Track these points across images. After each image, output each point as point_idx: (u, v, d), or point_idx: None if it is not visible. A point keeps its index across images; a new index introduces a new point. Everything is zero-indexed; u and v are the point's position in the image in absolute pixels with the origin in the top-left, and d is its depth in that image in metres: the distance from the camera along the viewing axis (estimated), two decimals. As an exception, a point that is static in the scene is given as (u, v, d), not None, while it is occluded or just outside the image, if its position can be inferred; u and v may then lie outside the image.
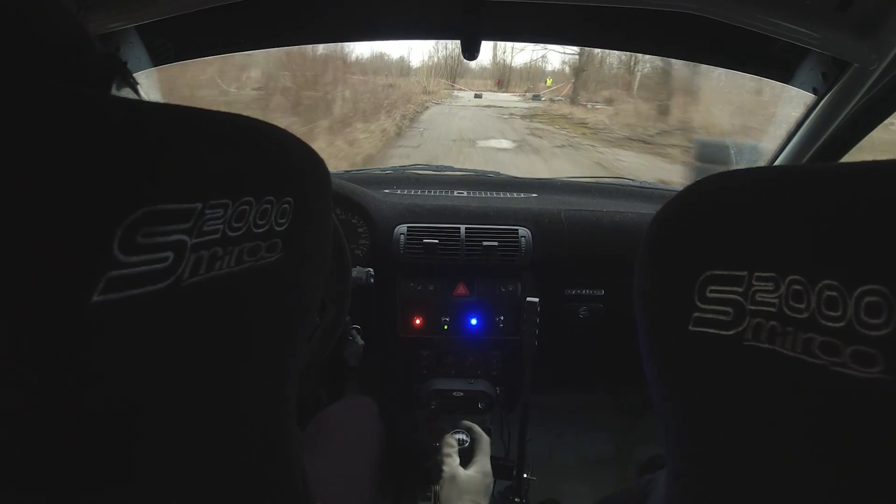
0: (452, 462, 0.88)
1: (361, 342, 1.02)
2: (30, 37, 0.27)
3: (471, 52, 0.93)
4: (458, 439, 0.94)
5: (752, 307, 0.30)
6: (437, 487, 0.85)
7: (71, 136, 0.20)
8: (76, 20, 0.31)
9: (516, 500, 1.09)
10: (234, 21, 0.95)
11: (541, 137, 11.90)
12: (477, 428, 0.97)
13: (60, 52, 0.30)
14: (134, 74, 0.92)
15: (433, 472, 0.95)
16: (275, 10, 0.96)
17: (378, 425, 1.02)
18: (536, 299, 1.01)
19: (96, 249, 0.21)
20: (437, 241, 1.20)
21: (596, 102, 19.55)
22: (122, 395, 0.23)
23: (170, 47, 0.96)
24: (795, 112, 1.01)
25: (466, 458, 0.91)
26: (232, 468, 0.31)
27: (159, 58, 0.96)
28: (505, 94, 30.03)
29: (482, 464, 0.88)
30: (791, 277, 0.28)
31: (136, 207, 0.22)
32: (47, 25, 0.29)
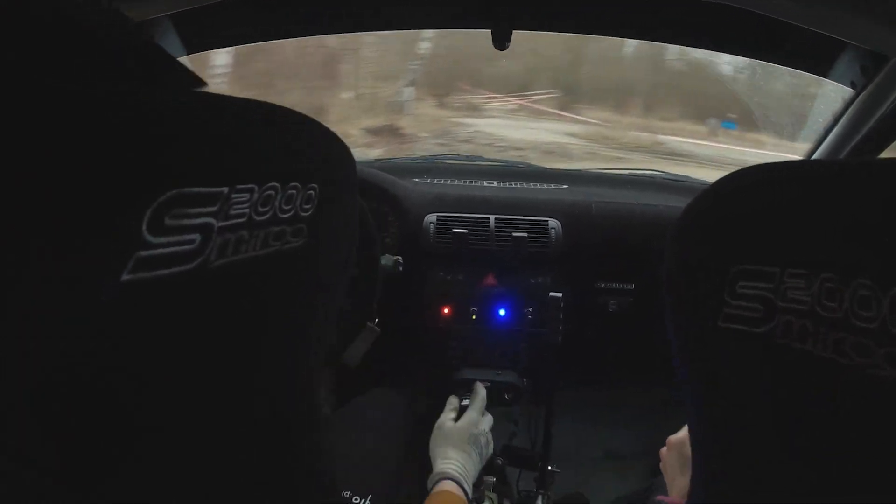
0: (445, 416, 0.94)
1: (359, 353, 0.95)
2: (76, 31, 0.26)
3: (501, 41, 0.91)
4: (461, 398, 1.00)
5: (783, 304, 0.29)
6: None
7: (103, 126, 0.21)
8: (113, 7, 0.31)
9: (540, 492, 1.10)
10: (264, 10, 0.96)
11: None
12: (478, 385, 1.04)
13: (103, 42, 0.28)
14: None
15: None
16: (306, -1, 0.96)
17: (406, 414, 1.04)
18: (560, 294, 1.01)
19: (126, 230, 0.21)
20: (466, 230, 1.20)
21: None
22: (148, 373, 0.24)
23: (203, 36, 0.97)
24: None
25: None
26: (254, 453, 0.31)
27: (193, 46, 0.97)
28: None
29: (470, 417, 0.93)
30: (824, 275, 0.27)
31: (165, 190, 0.22)
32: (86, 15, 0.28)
